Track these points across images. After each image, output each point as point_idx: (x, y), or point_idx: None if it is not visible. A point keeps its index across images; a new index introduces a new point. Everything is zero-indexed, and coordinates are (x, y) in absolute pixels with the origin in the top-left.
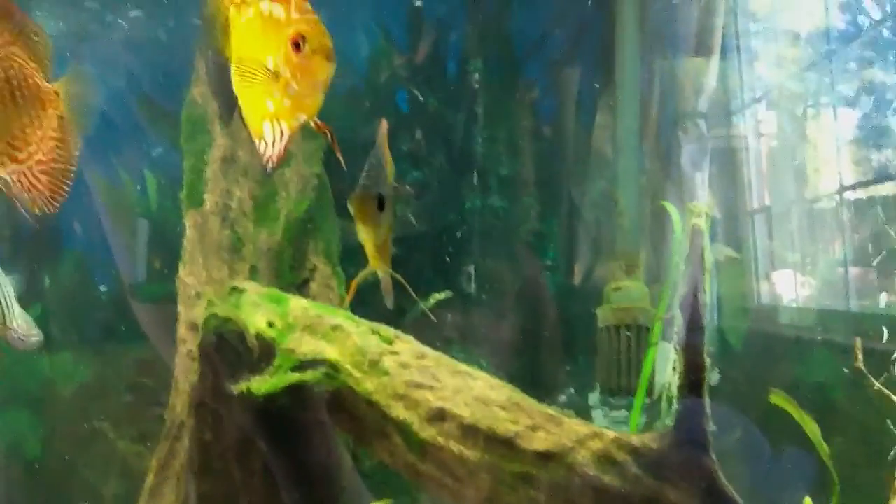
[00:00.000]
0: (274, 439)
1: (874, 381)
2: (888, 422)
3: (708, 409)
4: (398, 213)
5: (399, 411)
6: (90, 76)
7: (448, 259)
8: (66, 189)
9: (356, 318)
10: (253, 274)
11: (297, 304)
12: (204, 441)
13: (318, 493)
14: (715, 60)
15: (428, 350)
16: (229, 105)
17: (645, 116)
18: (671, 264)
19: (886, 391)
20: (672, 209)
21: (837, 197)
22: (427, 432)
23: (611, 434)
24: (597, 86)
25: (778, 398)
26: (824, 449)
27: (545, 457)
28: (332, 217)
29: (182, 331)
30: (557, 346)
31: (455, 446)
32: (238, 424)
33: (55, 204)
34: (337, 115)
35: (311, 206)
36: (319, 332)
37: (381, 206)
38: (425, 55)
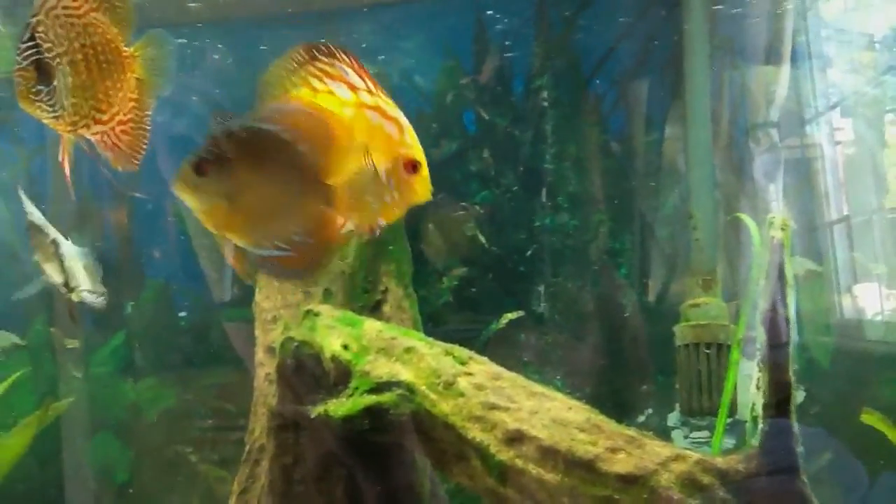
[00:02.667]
0: (354, 463)
1: None
2: None
3: (797, 429)
4: (468, 233)
5: (476, 433)
6: (166, 39)
7: (519, 279)
8: (144, 148)
9: (430, 339)
10: (327, 297)
11: (371, 326)
12: (284, 465)
13: None
14: (786, 68)
15: (503, 371)
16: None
17: (716, 128)
18: (750, 279)
19: None
20: (750, 221)
21: None
22: (505, 455)
23: (694, 456)
24: (666, 98)
25: (870, 417)
26: None
27: (627, 480)
28: (403, 238)
29: (260, 354)
30: (635, 366)
31: (534, 469)
32: (318, 448)
33: (135, 162)
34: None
35: (382, 228)
36: (394, 355)
37: (199, 170)
38: (491, 74)
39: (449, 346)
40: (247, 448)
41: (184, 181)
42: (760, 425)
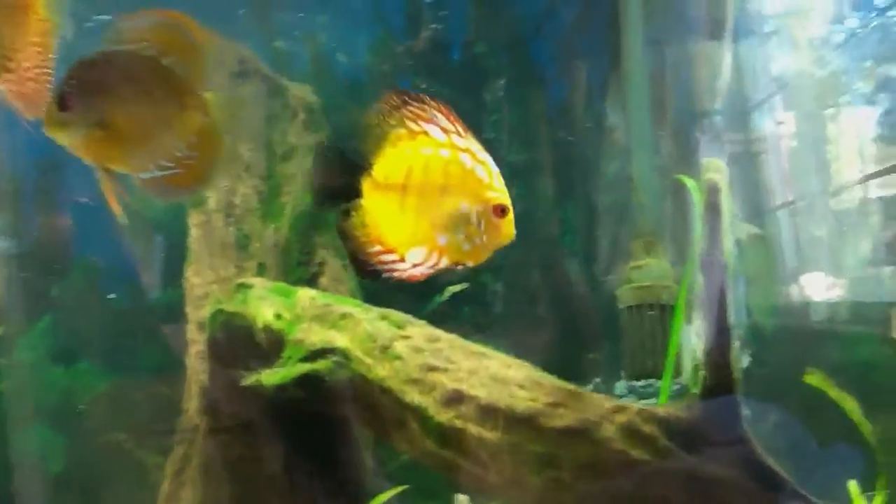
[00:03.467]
0: (293, 438)
1: None
2: None
3: (737, 374)
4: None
5: (414, 396)
6: None
7: None
8: (49, 93)
9: (365, 305)
10: (261, 271)
11: (304, 294)
12: (219, 442)
13: (341, 493)
14: (728, 51)
15: (441, 333)
16: (322, 192)
17: (657, 96)
18: (693, 240)
19: None
20: (690, 182)
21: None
22: (444, 416)
23: (636, 407)
24: (607, 65)
25: (813, 378)
26: (866, 427)
27: (569, 434)
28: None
29: (192, 332)
30: (581, 335)
31: (474, 429)
32: (254, 424)
33: (41, 109)
34: (339, 105)
35: None
36: (328, 321)
37: (63, 105)
38: (427, 42)
39: (385, 310)
40: (181, 428)
41: (50, 120)
42: (701, 372)
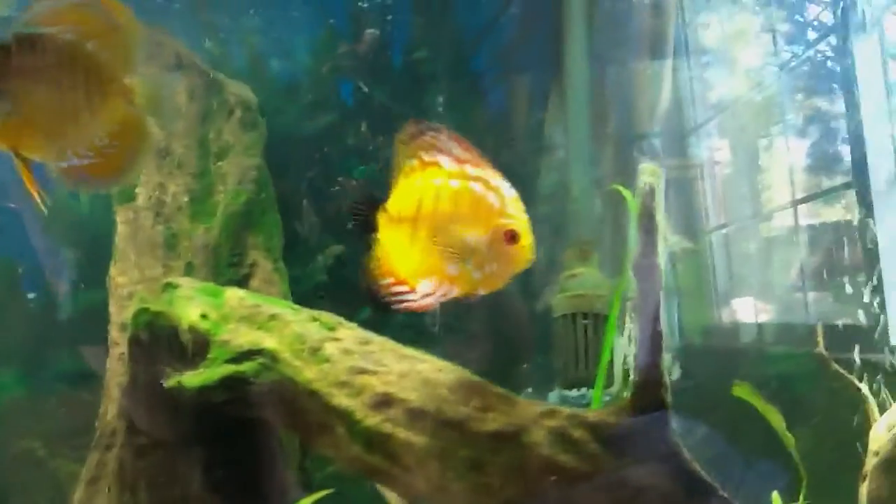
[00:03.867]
0: (215, 444)
1: (835, 365)
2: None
3: (667, 380)
4: (345, 210)
5: (341, 399)
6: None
7: None
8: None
9: (296, 306)
10: (189, 271)
11: (232, 294)
12: (136, 447)
13: (265, 501)
14: (668, 74)
15: (373, 336)
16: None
17: (597, 110)
18: (627, 249)
19: (846, 373)
20: (626, 192)
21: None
22: (372, 420)
23: (566, 411)
24: (548, 74)
25: (741, 390)
26: (790, 440)
27: (497, 438)
28: (273, 211)
29: (114, 333)
30: (515, 345)
31: (402, 433)
32: (173, 428)
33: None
34: (276, 107)
35: (250, 199)
36: (257, 322)
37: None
38: (370, 44)
39: (317, 312)
40: (97, 433)
41: None
42: (631, 377)
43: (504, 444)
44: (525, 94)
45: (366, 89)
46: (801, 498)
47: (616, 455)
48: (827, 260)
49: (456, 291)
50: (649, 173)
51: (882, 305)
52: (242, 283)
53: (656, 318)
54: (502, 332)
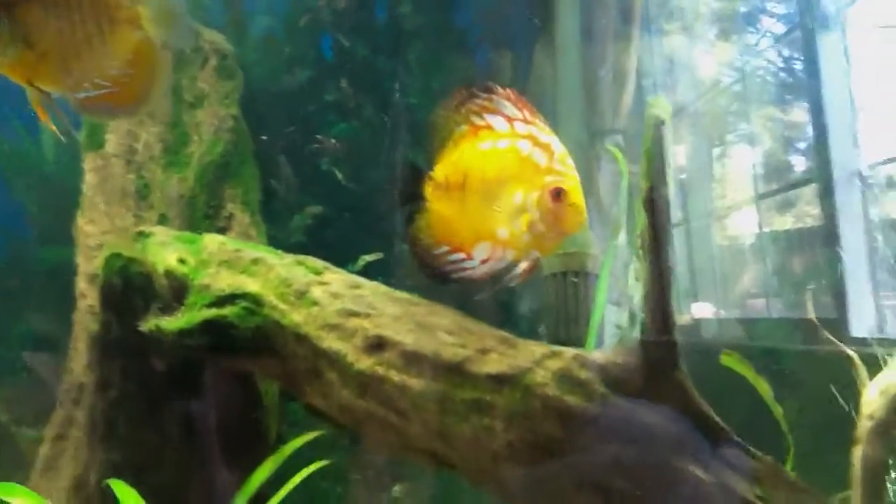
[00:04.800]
0: (194, 394)
1: (827, 334)
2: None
3: (676, 319)
4: (324, 168)
5: (332, 342)
6: None
7: (379, 218)
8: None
9: (280, 252)
10: (162, 222)
11: (212, 239)
12: (108, 400)
13: (245, 453)
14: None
15: (363, 280)
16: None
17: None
18: (618, 208)
19: (836, 341)
20: (617, 152)
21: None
22: (364, 363)
23: (571, 352)
24: (534, 30)
25: (729, 359)
26: (778, 410)
27: (499, 380)
28: (251, 163)
29: (82, 285)
30: (501, 309)
31: (397, 376)
32: (148, 378)
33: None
34: (253, 60)
35: (227, 150)
36: (239, 267)
37: None
38: None
39: (302, 256)
40: (63, 388)
41: None
42: (640, 316)
43: (506, 385)
44: (511, 51)
45: (346, 44)
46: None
47: (624, 395)
48: (788, 255)
49: (511, 255)
50: (658, 105)
51: (842, 298)
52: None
53: (665, 254)
54: (489, 296)
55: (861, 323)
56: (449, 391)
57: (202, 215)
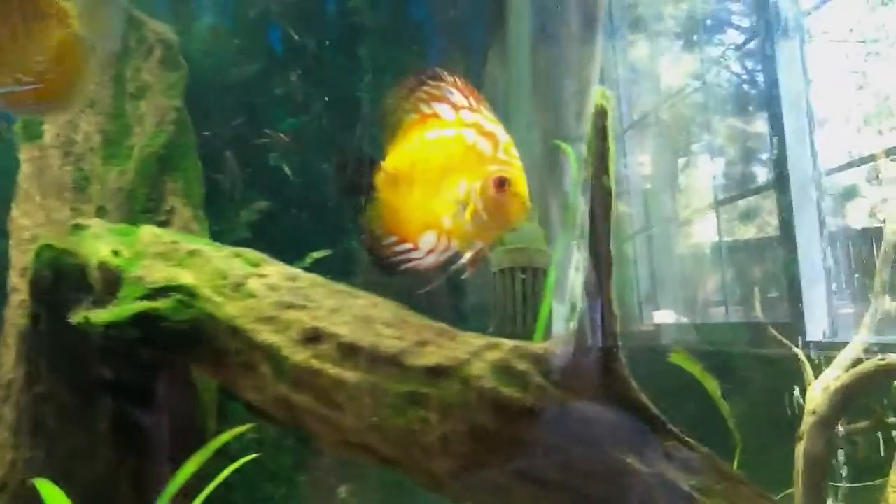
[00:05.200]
0: (126, 388)
1: (772, 330)
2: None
3: (616, 309)
4: (272, 163)
5: (267, 335)
6: None
7: (328, 214)
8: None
9: (218, 244)
10: (101, 215)
11: (147, 231)
12: (35, 396)
13: (180, 447)
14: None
15: (301, 272)
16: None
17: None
18: (568, 204)
19: (785, 340)
20: (567, 148)
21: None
22: (300, 356)
23: (510, 343)
24: (487, 27)
25: (678, 357)
26: (725, 407)
27: (436, 372)
28: (194, 156)
29: (14, 279)
30: (450, 307)
31: (332, 369)
32: (78, 373)
33: None
34: (200, 51)
35: (169, 142)
36: (174, 259)
37: None
38: None
39: (240, 248)
40: None
41: None
42: (579, 305)
43: (443, 377)
44: (464, 46)
45: (296, 36)
46: (733, 465)
47: (562, 388)
48: (748, 262)
49: (455, 245)
50: (601, 95)
51: (798, 303)
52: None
53: (606, 242)
54: (437, 293)
55: (816, 327)
56: (385, 384)
57: (142, 209)
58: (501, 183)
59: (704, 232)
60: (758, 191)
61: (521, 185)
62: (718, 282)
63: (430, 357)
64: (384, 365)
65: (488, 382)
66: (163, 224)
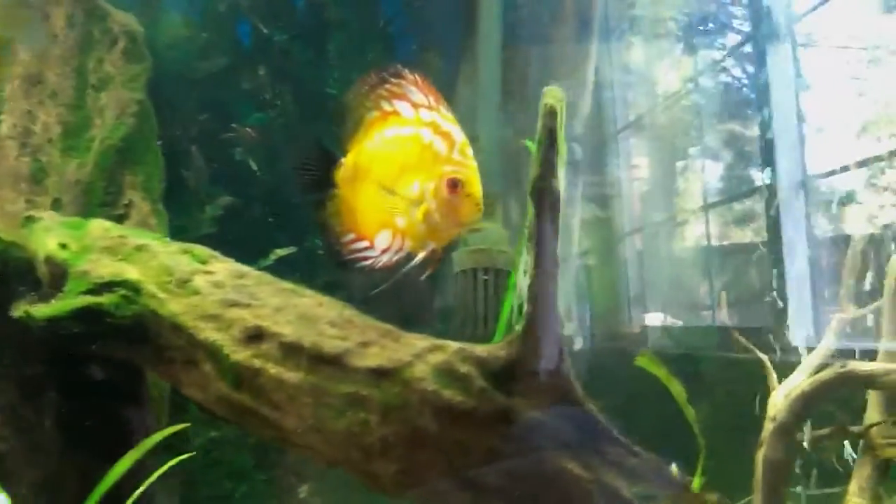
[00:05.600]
0: (69, 387)
1: (736, 335)
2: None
3: (560, 312)
4: (238, 158)
5: (209, 333)
6: None
7: (293, 211)
8: None
9: (168, 239)
10: (56, 208)
11: (97, 225)
12: None
13: (125, 443)
14: (590, 76)
15: (249, 270)
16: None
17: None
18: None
19: (748, 344)
20: (532, 146)
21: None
22: (241, 354)
23: (454, 345)
24: (460, 26)
25: (643, 360)
26: (690, 413)
27: (378, 374)
28: (155, 150)
29: None
30: (415, 309)
31: (273, 369)
32: (22, 368)
33: None
34: (166, 44)
35: (129, 135)
36: (121, 253)
37: None
38: None
39: (190, 245)
40: None
41: None
42: (525, 308)
43: (384, 379)
44: (436, 44)
45: (265, 30)
46: (698, 469)
47: (505, 391)
48: (734, 266)
49: (408, 245)
50: (551, 96)
51: (783, 307)
52: (117, 223)
53: (552, 245)
54: (400, 286)
55: (800, 332)
56: (326, 384)
57: (99, 202)
58: (454, 184)
59: (693, 235)
60: (746, 195)
61: (475, 186)
62: (705, 285)
63: (373, 358)
64: (326, 365)
65: (430, 385)
66: (120, 218)
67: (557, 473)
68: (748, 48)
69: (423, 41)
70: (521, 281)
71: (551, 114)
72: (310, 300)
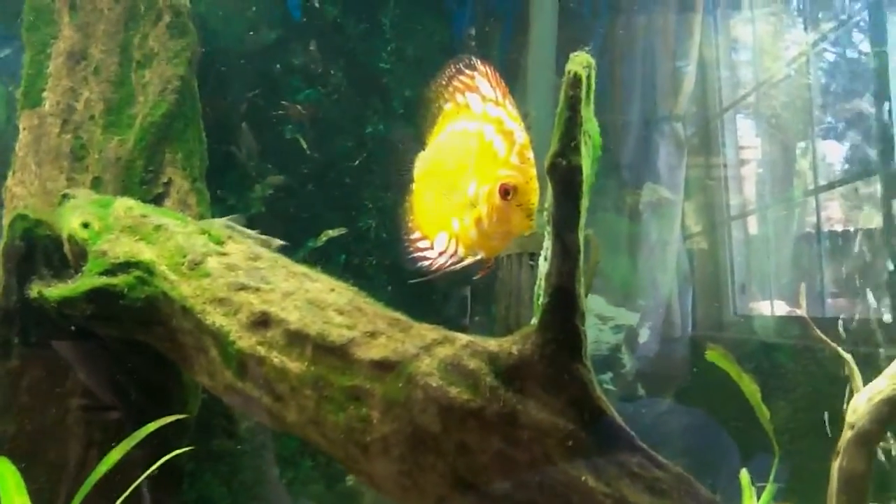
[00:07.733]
0: (98, 365)
1: (816, 330)
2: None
3: (582, 305)
4: (288, 136)
5: (216, 318)
6: None
7: (344, 191)
8: None
9: (188, 218)
10: (96, 186)
11: (121, 204)
12: (8, 370)
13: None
14: (695, 51)
15: (265, 252)
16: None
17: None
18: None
19: (828, 341)
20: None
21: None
22: (246, 341)
23: (463, 338)
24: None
25: (713, 354)
26: (764, 413)
27: (381, 367)
28: (196, 127)
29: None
30: (462, 293)
31: (277, 358)
32: (50, 347)
33: None
34: (218, 19)
35: (170, 111)
36: (140, 233)
37: None
38: None
39: (208, 223)
40: None
41: None
42: (542, 300)
43: (388, 373)
44: (493, 17)
45: (316, 3)
46: (772, 473)
47: (516, 390)
48: (848, 252)
49: (462, 251)
50: (577, 62)
51: None
52: (156, 202)
53: (572, 228)
54: (452, 276)
55: None
56: (328, 376)
57: (139, 180)
58: (507, 191)
59: (803, 220)
60: (858, 177)
61: (528, 195)
62: (816, 273)
63: (378, 350)
64: (329, 356)
65: (435, 381)
66: (159, 196)
67: (568, 483)
68: (864, 18)
69: (481, 10)
70: (542, 269)
71: (575, 82)
72: (322, 285)
